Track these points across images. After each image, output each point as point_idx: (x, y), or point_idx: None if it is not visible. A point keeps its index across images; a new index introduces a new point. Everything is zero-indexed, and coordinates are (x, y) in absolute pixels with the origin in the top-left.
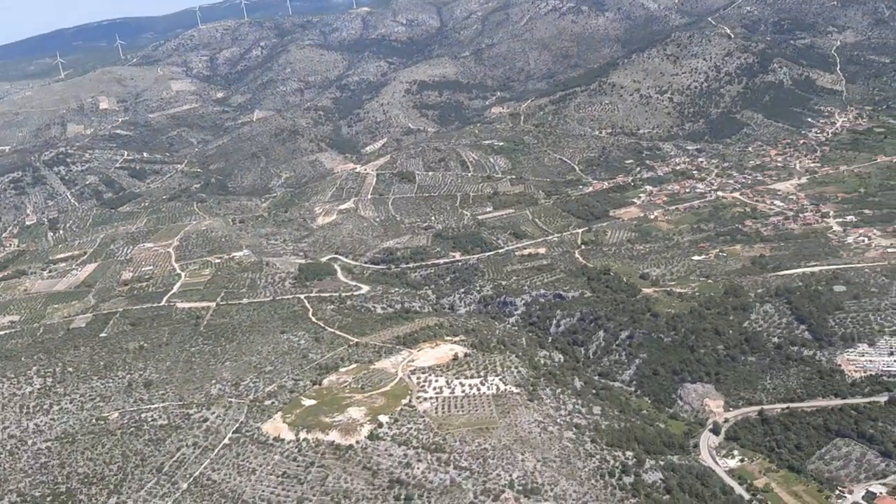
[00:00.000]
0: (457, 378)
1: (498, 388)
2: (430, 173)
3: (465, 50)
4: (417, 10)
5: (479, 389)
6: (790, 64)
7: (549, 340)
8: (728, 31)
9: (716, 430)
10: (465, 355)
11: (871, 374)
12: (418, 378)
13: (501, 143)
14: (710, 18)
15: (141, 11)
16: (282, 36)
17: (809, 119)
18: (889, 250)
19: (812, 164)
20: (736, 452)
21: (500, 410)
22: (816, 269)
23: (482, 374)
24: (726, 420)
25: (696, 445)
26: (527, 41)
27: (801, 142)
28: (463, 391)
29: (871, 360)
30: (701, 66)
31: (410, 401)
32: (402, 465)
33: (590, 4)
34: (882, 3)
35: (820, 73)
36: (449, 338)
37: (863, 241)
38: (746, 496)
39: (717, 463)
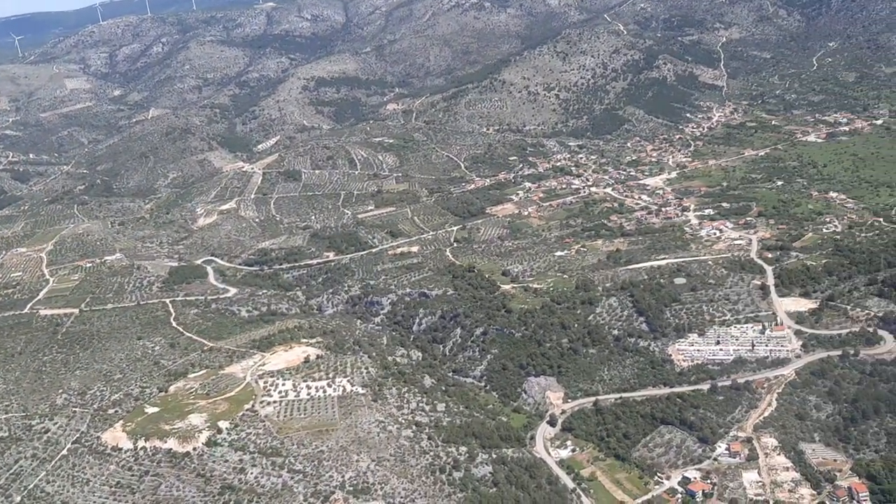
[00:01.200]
0: (304, 381)
1: (344, 390)
2: (318, 172)
3: (367, 46)
4: (323, 6)
5: (325, 391)
6: (675, 60)
7: (411, 339)
8: (622, 27)
9: (552, 422)
10: (318, 357)
11: (697, 363)
12: (265, 382)
13: (392, 141)
14: (605, 15)
15: (51, 6)
16: (184, 32)
17: (688, 114)
18: (736, 242)
19: (684, 159)
20: (569, 443)
21: (343, 412)
22: (664, 262)
23: (331, 375)
24: (563, 412)
25: (533, 437)
26: (429, 37)
27: (678, 137)
28: (308, 394)
29: (699, 350)
30: (589, 64)
31: (253, 405)
32: (235, 471)
33: (492, 0)
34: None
35: (704, 68)
36: (305, 340)
37: (714, 233)
38: (571, 485)
39: (549, 454)
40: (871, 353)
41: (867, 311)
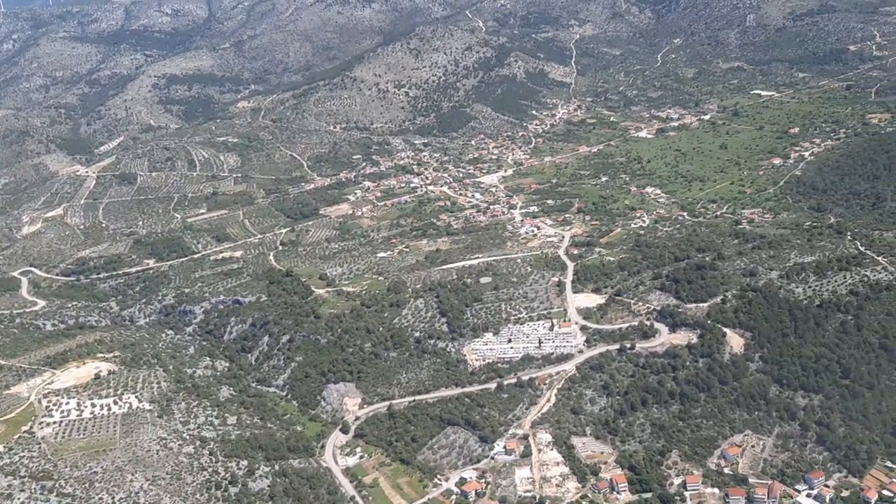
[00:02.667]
0: (90, 399)
1: (130, 407)
2: (154, 174)
3: (227, 41)
4: (184, 0)
5: (109, 409)
6: (527, 57)
7: (221, 348)
8: (481, 24)
9: (345, 429)
10: (109, 373)
11: (489, 362)
12: (49, 401)
13: (236, 140)
14: (467, 12)
15: None
16: (37, 28)
17: (534, 111)
18: (550, 239)
19: (523, 156)
20: (359, 450)
21: (125, 430)
22: (476, 261)
23: (119, 392)
24: (358, 418)
25: (324, 446)
26: (290, 32)
27: (521, 134)
28: (92, 413)
29: (491, 349)
30: (441, 61)
31: (31, 427)
32: (2, 497)
33: None
34: None
35: (555, 66)
36: (102, 355)
37: (532, 231)
38: (352, 493)
39: (336, 462)
40: (646, 345)
41: (648, 305)
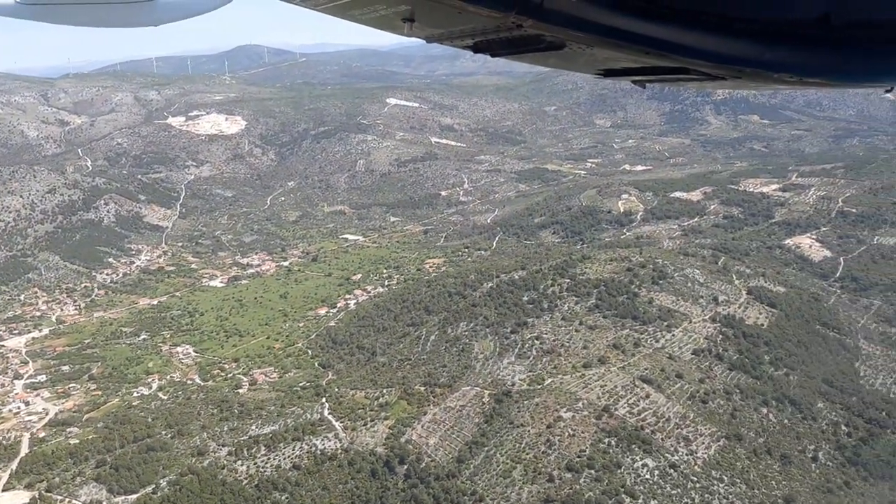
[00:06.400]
0: None
1: None
2: None
3: None
4: None
5: None
6: (123, 200)
7: None
8: (90, 163)
9: None
10: None
11: None
12: None
13: None
14: (79, 150)
15: None
16: None
17: (112, 259)
18: (28, 418)
19: (72, 312)
20: None
21: None
22: None
23: None
24: None
25: None
26: None
27: (83, 285)
28: None
29: None
30: (14, 204)
31: None
32: None
33: None
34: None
35: (157, 208)
36: None
37: (18, 407)
38: None
39: None
40: None
41: (75, 502)
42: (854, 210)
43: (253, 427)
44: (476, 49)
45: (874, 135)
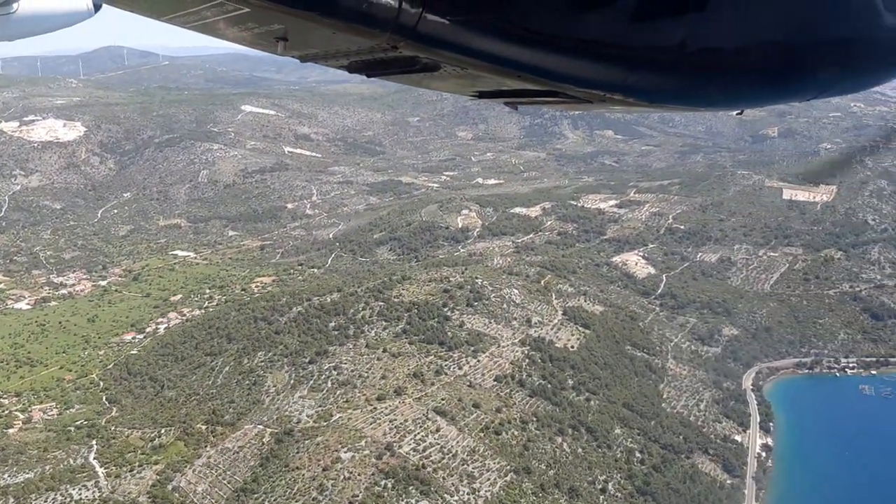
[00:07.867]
0: None
1: None
2: None
3: None
4: None
5: None
6: None
7: None
8: None
9: None
10: None
11: None
12: None
13: None
14: None
15: None
16: None
17: None
18: None
19: None
20: None
21: None
22: None
23: None
24: None
25: None
26: None
27: None
28: None
29: None
30: None
31: None
32: None
33: None
34: None
35: None
36: None
37: None
38: None
39: None
40: None
41: None
42: (682, 227)
43: (6, 476)
44: (351, 69)
45: (718, 151)
